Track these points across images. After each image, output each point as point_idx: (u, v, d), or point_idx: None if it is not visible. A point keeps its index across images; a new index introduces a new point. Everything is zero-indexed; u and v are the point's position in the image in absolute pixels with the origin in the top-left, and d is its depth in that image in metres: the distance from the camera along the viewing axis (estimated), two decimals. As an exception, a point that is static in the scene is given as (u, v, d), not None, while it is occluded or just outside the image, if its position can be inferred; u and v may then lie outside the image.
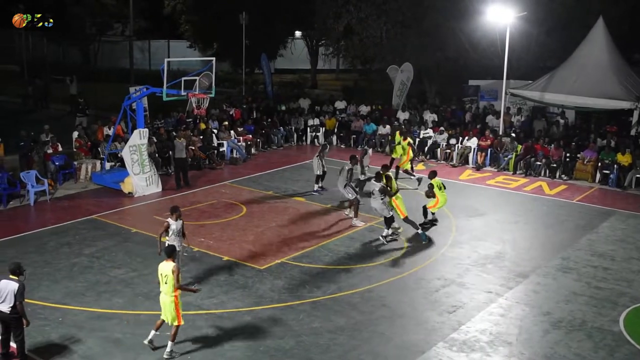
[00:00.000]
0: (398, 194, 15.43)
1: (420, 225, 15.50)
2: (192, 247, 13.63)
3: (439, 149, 23.89)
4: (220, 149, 22.99)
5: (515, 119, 25.40)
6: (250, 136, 24.47)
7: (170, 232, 11.97)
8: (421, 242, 15.10)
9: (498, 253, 14.66)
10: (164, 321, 10.05)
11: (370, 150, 18.73)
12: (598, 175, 20.91)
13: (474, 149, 23.06)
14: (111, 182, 19.17)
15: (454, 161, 23.25)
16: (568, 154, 21.53)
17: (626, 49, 25.32)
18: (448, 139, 23.79)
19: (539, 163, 21.71)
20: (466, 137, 23.49)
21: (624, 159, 20.55)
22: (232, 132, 23.84)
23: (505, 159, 22.33)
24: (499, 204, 18.63)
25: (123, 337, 10.57)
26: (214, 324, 11.04)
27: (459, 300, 12.23)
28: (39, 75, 36.54)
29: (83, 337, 10.53)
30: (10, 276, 9.55)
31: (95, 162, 20.49)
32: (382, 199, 14.82)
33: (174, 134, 21.66)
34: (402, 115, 26.51)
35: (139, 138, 18.60)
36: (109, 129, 21.84)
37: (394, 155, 21.48)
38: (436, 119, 26.02)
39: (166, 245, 11.00)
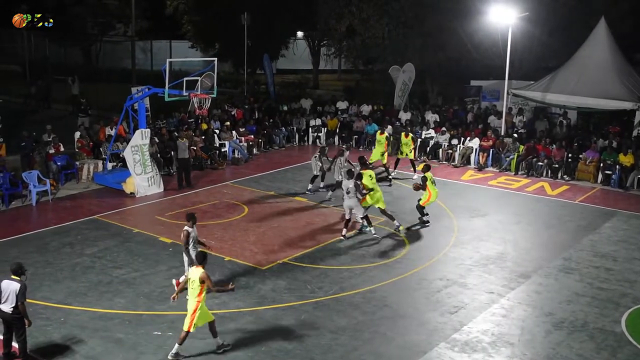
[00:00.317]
0: (376, 190, 15.64)
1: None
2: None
3: (440, 150, 23.91)
4: (222, 149, 23.01)
5: (517, 119, 25.38)
6: (252, 136, 24.48)
7: (191, 240, 11.87)
8: (417, 241, 15.34)
9: (500, 253, 14.65)
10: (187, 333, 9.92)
11: (347, 153, 18.68)
12: (600, 176, 20.88)
13: (476, 149, 23.05)
14: (113, 183, 19.20)
15: (456, 162, 23.24)
16: (570, 155, 21.51)
17: (628, 50, 25.29)
18: (450, 139, 23.79)
19: (541, 163, 21.68)
20: (468, 138, 23.47)
21: (626, 159, 20.52)
22: (234, 132, 23.85)
23: (507, 159, 22.30)
24: (501, 204, 18.62)
25: (125, 337, 10.59)
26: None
27: (460, 300, 12.22)
28: (41, 75, 36.55)
29: (85, 337, 10.54)
30: (12, 276, 9.58)
31: (97, 162, 20.53)
32: (357, 196, 14.99)
33: (176, 134, 21.69)
34: (404, 116, 26.49)
35: (141, 138, 18.60)
36: (111, 129, 21.83)
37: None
38: (438, 120, 26.00)
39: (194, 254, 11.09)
